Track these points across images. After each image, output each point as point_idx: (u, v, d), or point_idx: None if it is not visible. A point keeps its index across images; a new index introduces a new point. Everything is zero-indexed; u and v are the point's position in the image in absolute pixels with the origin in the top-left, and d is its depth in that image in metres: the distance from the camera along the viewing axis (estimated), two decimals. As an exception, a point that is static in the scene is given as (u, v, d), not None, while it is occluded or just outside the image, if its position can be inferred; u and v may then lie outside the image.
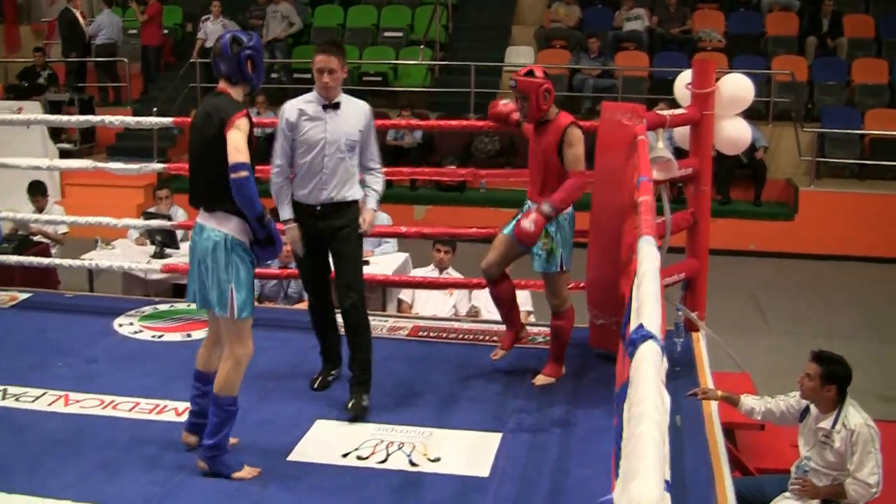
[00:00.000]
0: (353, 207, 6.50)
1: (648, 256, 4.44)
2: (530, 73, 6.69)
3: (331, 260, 6.59)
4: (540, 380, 7.02)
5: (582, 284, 7.55)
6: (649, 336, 3.39)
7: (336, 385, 6.80)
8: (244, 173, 5.24)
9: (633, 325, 3.69)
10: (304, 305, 8.92)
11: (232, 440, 5.77)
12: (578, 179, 6.64)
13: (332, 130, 6.38)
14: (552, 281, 6.96)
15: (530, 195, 6.99)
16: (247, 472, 5.54)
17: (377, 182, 6.64)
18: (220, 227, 5.39)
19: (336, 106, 6.41)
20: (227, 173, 5.26)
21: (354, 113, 6.48)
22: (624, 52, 18.86)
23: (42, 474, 5.59)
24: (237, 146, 5.27)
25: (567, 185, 6.62)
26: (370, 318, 7.50)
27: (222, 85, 5.54)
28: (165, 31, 20.84)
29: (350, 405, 6.30)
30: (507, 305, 7.22)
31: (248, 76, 5.51)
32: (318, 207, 6.39)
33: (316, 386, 6.80)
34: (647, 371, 3.15)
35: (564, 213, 6.78)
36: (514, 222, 6.88)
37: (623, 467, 2.87)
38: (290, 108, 6.47)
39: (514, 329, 7.27)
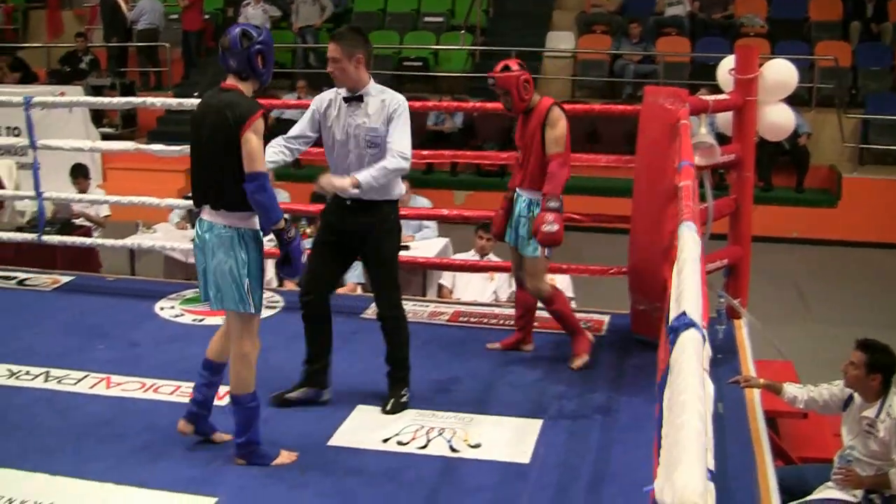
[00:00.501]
0: (383, 208, 6.21)
1: (689, 242, 4.40)
2: (506, 69, 6.74)
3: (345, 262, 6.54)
4: (576, 362, 7.01)
5: (624, 270, 7.52)
6: (691, 324, 3.36)
7: (378, 371, 6.79)
8: (259, 183, 5.17)
9: (674, 312, 3.65)
10: (345, 290, 8.94)
11: (224, 437, 5.74)
12: (558, 160, 6.74)
13: (350, 125, 6.13)
14: (530, 265, 6.98)
15: (512, 184, 7.08)
16: (285, 457, 5.53)
17: (386, 161, 5.99)
18: (231, 223, 5.29)
19: (359, 99, 6.12)
20: (239, 172, 5.19)
21: (378, 106, 6.10)
22: (665, 37, 18.79)
23: (84, 457, 5.61)
24: (252, 153, 5.17)
25: (552, 171, 6.71)
26: (410, 303, 7.50)
27: (231, 81, 5.40)
28: (206, 17, 20.91)
29: (388, 404, 6.22)
30: (523, 310, 7.29)
31: (258, 71, 5.37)
32: (349, 202, 6.18)
33: (272, 399, 6.24)
34: (688, 359, 3.12)
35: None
36: (512, 231, 7.00)
37: (665, 456, 2.85)
38: (323, 96, 6.33)
39: (521, 334, 7.35)
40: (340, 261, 6.44)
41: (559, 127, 6.75)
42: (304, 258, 5.58)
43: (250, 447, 5.47)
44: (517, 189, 6.99)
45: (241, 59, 5.31)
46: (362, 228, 6.18)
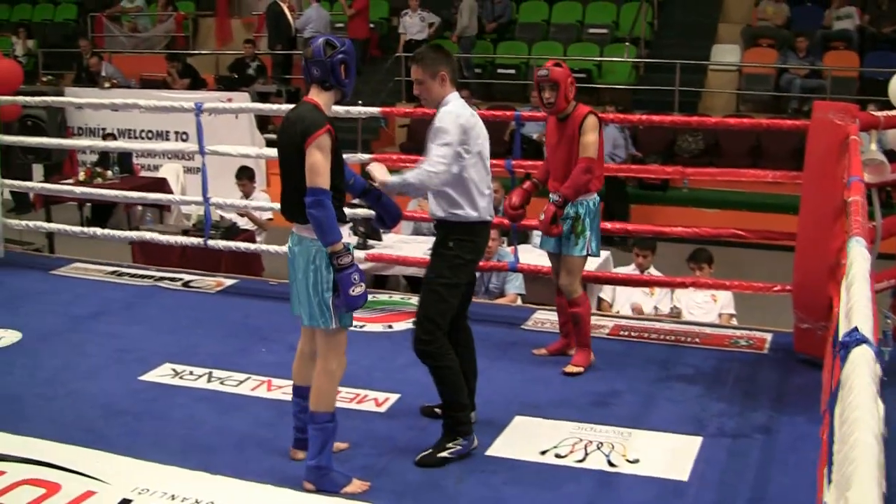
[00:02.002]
0: (442, 229, 5.85)
1: (859, 258, 4.29)
2: (558, 65, 6.90)
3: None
4: (570, 368, 7.05)
5: (788, 287, 7.39)
6: (863, 340, 3.27)
7: (538, 381, 6.79)
8: (317, 198, 5.08)
9: (844, 328, 3.57)
10: (505, 300, 8.94)
11: (341, 445, 5.73)
12: (582, 164, 6.83)
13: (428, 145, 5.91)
14: (572, 263, 7.05)
15: (552, 188, 7.07)
16: (356, 486, 5.36)
17: (411, 172, 5.72)
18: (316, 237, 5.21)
19: (433, 120, 5.84)
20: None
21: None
22: (833, 51, 18.36)
23: (244, 458, 5.70)
24: (312, 168, 5.11)
25: (574, 174, 6.84)
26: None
27: (312, 92, 5.37)
28: (372, 26, 21.11)
29: (422, 454, 5.72)
30: (566, 316, 7.32)
31: (341, 81, 5.33)
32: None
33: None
34: (860, 376, 3.04)
35: (592, 199, 7.00)
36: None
37: (837, 475, 2.78)
38: None
39: (566, 340, 7.39)
40: None
41: (591, 135, 6.87)
42: (356, 291, 5.18)
43: (321, 472, 5.35)
44: (552, 193, 7.03)
45: (325, 69, 5.29)
46: (432, 248, 6.02)
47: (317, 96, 5.35)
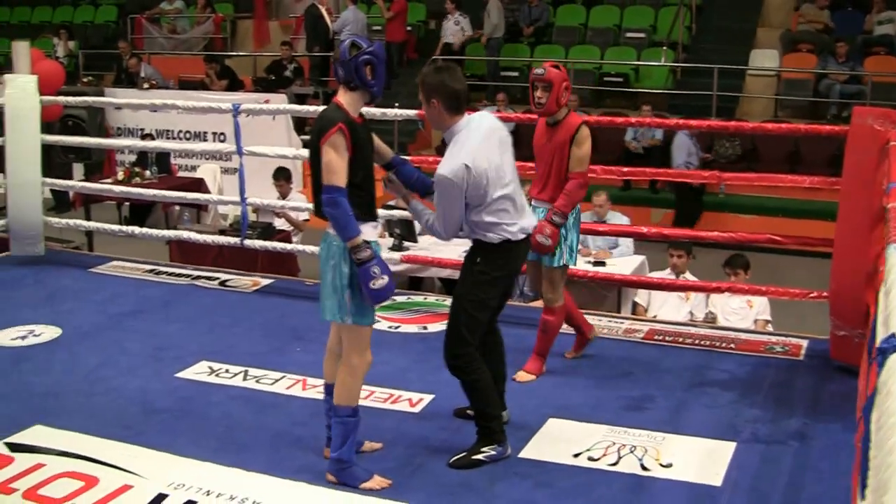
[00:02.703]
0: (475, 247, 5.73)
1: (898, 265, 4.28)
2: (557, 67, 6.79)
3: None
4: (521, 377, 6.95)
5: (825, 294, 7.36)
6: (901, 347, 3.27)
7: (570, 386, 6.79)
8: (331, 196, 5.12)
9: (882, 334, 3.55)
10: (538, 304, 8.96)
11: (375, 445, 5.78)
12: (578, 180, 6.73)
13: None
14: (552, 275, 6.94)
15: (534, 193, 6.97)
16: (376, 482, 5.38)
17: (433, 221, 5.69)
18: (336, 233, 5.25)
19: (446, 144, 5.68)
20: None
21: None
22: (874, 56, 18.23)
23: (279, 456, 5.73)
24: (328, 165, 5.13)
25: (569, 188, 6.72)
26: (605, 319, 7.44)
27: (339, 93, 5.37)
28: (409, 28, 21.14)
29: (455, 456, 5.71)
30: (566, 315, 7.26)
31: (366, 82, 5.28)
32: None
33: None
34: (899, 383, 3.04)
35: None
36: None
37: (873, 480, 2.77)
38: None
39: (580, 336, 7.40)
40: None
41: (585, 147, 6.74)
42: (377, 284, 5.19)
43: (341, 465, 5.39)
44: (534, 199, 6.93)
45: (349, 69, 5.27)
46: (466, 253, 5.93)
47: (342, 97, 5.35)
